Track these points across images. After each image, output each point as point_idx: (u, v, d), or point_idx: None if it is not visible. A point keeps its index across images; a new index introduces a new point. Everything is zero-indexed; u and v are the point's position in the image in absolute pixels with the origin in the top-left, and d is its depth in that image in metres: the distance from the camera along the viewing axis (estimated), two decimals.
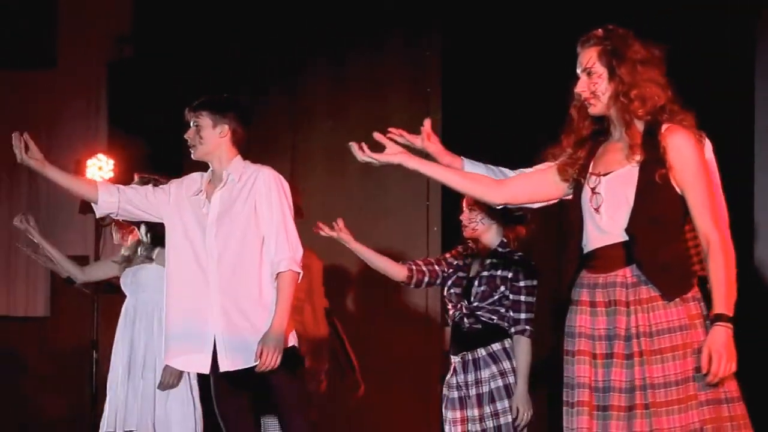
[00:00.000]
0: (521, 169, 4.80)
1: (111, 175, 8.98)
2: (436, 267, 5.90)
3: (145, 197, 5.53)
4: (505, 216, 5.80)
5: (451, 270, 5.88)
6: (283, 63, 9.18)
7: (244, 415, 5.52)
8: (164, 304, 5.49)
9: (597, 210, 4.17)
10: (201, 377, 6.01)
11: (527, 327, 5.71)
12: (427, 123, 4.50)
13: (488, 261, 5.78)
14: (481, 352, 5.76)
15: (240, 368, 5.34)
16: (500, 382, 5.72)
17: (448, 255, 5.96)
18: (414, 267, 5.88)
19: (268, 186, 5.44)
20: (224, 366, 5.34)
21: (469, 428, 5.74)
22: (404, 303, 8.91)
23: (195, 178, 5.58)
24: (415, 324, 8.87)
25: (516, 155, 8.29)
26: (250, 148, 8.87)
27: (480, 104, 8.67)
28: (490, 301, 5.73)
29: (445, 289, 5.89)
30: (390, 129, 4.50)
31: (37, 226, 6.38)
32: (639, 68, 4.14)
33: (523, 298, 5.75)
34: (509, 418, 5.68)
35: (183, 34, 9.28)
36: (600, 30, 4.25)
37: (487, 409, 5.71)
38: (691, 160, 4.10)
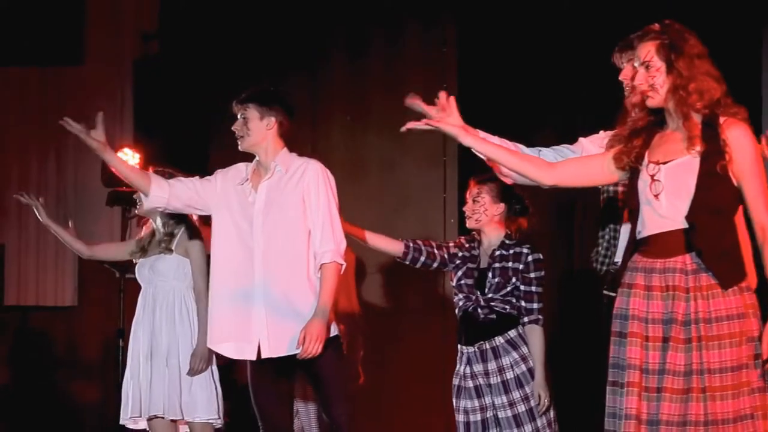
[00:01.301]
0: (539, 148, 4.89)
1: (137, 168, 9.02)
2: (436, 251, 5.92)
3: (195, 191, 5.56)
4: (510, 208, 5.86)
5: (458, 260, 5.90)
6: (303, 59, 9.19)
7: (281, 405, 5.53)
8: (211, 291, 5.52)
9: (656, 197, 4.20)
10: (222, 362, 6.06)
11: (540, 316, 5.77)
12: (442, 95, 4.51)
13: (498, 253, 5.82)
14: (499, 340, 5.79)
15: (283, 355, 5.36)
16: (523, 367, 5.77)
17: (451, 243, 5.99)
18: (412, 245, 5.90)
19: (316, 179, 5.45)
20: (268, 352, 5.36)
21: (499, 414, 5.77)
22: (421, 295, 8.94)
23: (240, 168, 5.60)
24: (432, 316, 8.88)
25: (532, 146, 8.36)
26: None
27: (496, 99, 8.69)
28: (503, 292, 5.77)
29: (454, 279, 5.91)
30: (412, 94, 4.49)
31: (42, 205, 6.40)
32: (696, 62, 4.19)
33: (534, 288, 5.80)
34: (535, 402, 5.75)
35: (207, 32, 9.31)
36: (657, 24, 4.27)
37: (517, 394, 5.74)
38: (749, 153, 4.16)
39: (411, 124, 4.32)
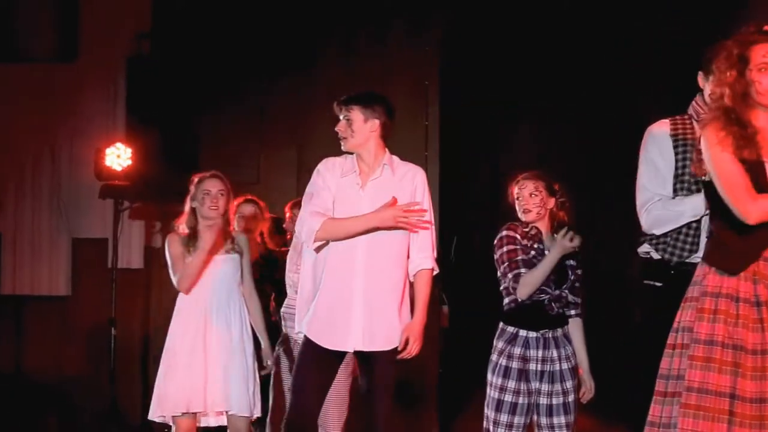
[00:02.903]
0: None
1: (129, 162, 9.06)
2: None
3: (330, 207, 5.49)
4: (556, 202, 5.93)
5: (533, 252, 5.95)
6: (292, 59, 9.25)
7: (317, 392, 5.46)
8: (315, 288, 5.48)
9: None
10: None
11: (579, 310, 5.91)
12: None
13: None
14: (560, 331, 5.89)
15: (376, 350, 5.39)
16: (573, 361, 5.88)
17: (517, 236, 5.92)
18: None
19: (423, 185, 5.49)
20: (361, 346, 5.39)
21: (552, 402, 5.85)
22: None
23: (340, 162, 5.56)
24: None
25: (511, 143, 8.44)
26: (262, 139, 9.03)
27: (477, 96, 8.77)
28: (569, 287, 5.89)
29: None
30: None
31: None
32: None
33: (579, 284, 5.92)
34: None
35: (199, 31, 9.35)
36: (752, 26, 4.26)
37: (569, 385, 5.85)
38: None
39: None
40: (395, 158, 5.56)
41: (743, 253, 4.22)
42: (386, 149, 5.54)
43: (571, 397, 5.85)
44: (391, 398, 5.44)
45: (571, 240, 5.72)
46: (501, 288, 5.97)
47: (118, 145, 9.09)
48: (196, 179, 6.38)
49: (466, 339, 7.93)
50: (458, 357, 8.31)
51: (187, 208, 6.36)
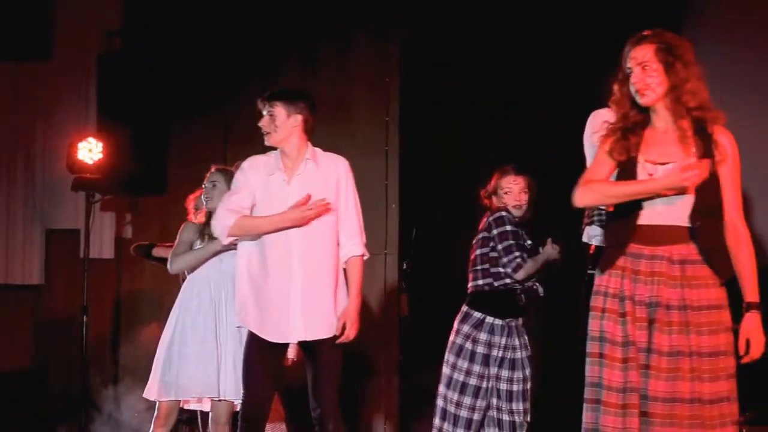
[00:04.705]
0: None
1: (100, 156, 9.10)
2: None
3: (250, 206, 5.53)
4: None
5: (524, 243, 6.02)
6: (259, 58, 9.26)
7: (268, 377, 5.50)
8: (251, 282, 5.51)
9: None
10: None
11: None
12: None
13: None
14: (521, 320, 5.98)
15: (317, 338, 5.44)
16: (529, 351, 5.97)
17: (516, 228, 6.05)
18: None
19: (346, 175, 5.55)
20: (304, 336, 5.44)
21: (513, 388, 5.93)
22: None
23: (264, 160, 5.60)
24: (375, 290, 8.99)
25: (469, 137, 8.51)
26: (228, 137, 9.05)
27: (437, 94, 8.79)
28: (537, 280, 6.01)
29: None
30: None
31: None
32: (690, 66, 4.28)
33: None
34: None
35: (167, 30, 9.38)
36: (650, 30, 4.36)
37: (528, 372, 5.95)
38: (736, 158, 4.28)
39: None
40: (318, 150, 5.60)
41: (609, 250, 4.41)
42: (309, 143, 5.56)
43: (528, 385, 5.95)
44: (338, 384, 5.48)
45: (559, 253, 5.83)
46: (477, 268, 6.01)
47: (90, 139, 9.12)
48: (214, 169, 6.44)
49: (425, 326, 7.98)
50: (418, 344, 8.36)
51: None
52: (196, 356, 6.19)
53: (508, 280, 5.96)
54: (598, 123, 5.05)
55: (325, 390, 5.44)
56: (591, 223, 5.65)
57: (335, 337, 5.44)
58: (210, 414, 6.33)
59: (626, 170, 4.34)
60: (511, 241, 5.94)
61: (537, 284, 6.00)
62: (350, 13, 9.22)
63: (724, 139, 4.27)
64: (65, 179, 9.32)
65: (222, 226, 5.44)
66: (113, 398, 9.04)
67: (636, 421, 4.17)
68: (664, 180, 4.18)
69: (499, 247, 5.97)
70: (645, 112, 4.37)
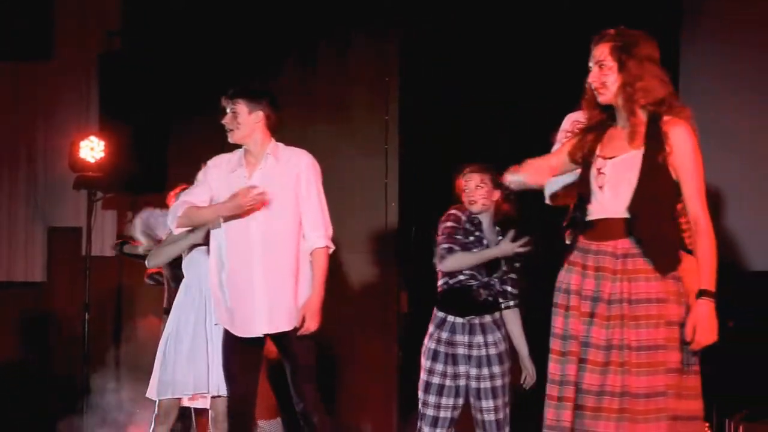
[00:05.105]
0: None
1: (102, 155, 9.11)
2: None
3: (207, 201, 5.60)
4: (503, 195, 5.99)
5: (471, 238, 6.01)
6: (259, 58, 9.25)
7: (249, 371, 5.58)
8: (219, 278, 5.59)
9: (601, 188, 4.32)
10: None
11: (518, 300, 6.02)
12: None
13: (499, 239, 5.96)
14: (488, 318, 5.96)
15: (281, 331, 5.49)
16: (503, 347, 5.96)
17: (455, 223, 6.03)
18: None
19: (307, 168, 5.60)
20: (268, 329, 5.50)
21: (481, 386, 5.92)
22: (360, 268, 8.92)
23: (227, 158, 5.69)
24: (374, 288, 8.96)
25: (469, 137, 8.50)
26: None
27: (437, 93, 8.79)
28: (500, 276, 5.97)
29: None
30: None
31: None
32: (645, 64, 4.28)
33: (516, 275, 6.01)
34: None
35: (168, 29, 9.38)
36: (613, 29, 4.38)
37: (497, 369, 5.92)
38: (689, 150, 4.25)
39: None
40: (280, 145, 5.66)
41: (568, 246, 4.47)
42: (272, 139, 5.62)
43: (499, 382, 5.95)
44: (314, 378, 5.53)
45: (520, 248, 5.80)
46: (437, 269, 6.04)
47: (92, 138, 9.15)
48: None
49: (425, 325, 7.98)
50: (418, 343, 8.36)
51: None
52: (187, 353, 6.21)
53: (461, 277, 5.97)
54: (569, 124, 5.09)
55: (302, 384, 5.50)
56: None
57: (297, 330, 5.48)
58: (210, 412, 6.33)
59: (583, 167, 4.42)
60: (444, 236, 5.97)
61: (495, 279, 5.99)
62: (350, 13, 9.22)
63: (673, 131, 4.25)
64: (67, 178, 9.34)
65: (173, 216, 5.57)
66: (114, 395, 9.04)
67: (569, 414, 4.21)
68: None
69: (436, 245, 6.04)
70: (610, 110, 4.40)
